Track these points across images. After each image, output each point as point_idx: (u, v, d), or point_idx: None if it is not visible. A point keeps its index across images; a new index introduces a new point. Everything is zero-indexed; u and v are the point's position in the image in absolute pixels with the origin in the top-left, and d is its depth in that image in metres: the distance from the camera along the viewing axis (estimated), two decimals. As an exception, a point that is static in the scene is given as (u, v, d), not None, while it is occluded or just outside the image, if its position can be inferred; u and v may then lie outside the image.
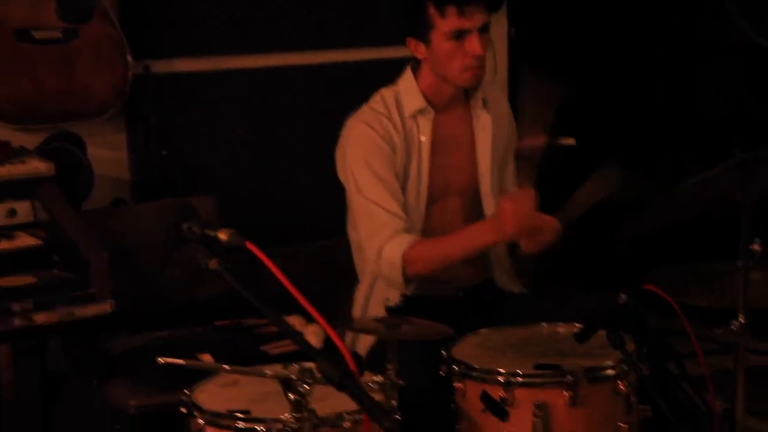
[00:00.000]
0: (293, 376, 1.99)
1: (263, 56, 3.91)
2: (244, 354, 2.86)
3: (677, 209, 2.25)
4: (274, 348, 2.91)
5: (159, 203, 3.35)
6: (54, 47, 3.32)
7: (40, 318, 2.61)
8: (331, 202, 3.01)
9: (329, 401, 2.11)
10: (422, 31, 2.79)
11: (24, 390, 3.30)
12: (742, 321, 2.21)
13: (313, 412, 2.04)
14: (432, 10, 2.76)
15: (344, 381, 1.55)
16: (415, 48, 2.84)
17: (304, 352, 1.63)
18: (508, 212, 2.61)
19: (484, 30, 2.78)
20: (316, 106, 3.94)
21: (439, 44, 2.77)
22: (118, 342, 2.93)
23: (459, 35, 2.75)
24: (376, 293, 2.93)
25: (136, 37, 3.59)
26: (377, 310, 2.86)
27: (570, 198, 2.65)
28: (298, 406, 2.02)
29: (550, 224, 2.68)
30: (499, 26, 4.51)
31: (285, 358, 2.85)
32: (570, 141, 5.37)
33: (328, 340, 2.96)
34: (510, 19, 4.53)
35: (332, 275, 3.52)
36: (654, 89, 4.87)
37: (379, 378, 2.20)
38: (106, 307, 2.68)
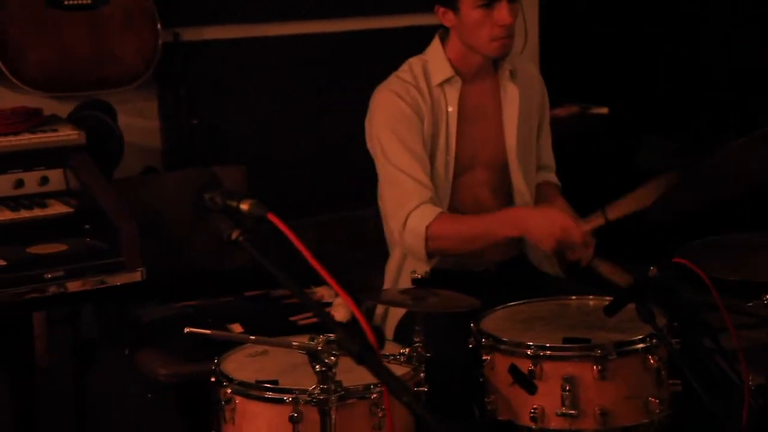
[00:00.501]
0: (319, 348, 1.98)
1: (293, 24, 3.90)
2: (273, 324, 2.86)
3: (705, 182, 2.21)
4: (303, 319, 2.91)
5: (185, 172, 3.36)
6: (83, 13, 3.32)
7: (72, 286, 2.62)
8: (361, 171, 3.00)
9: (355, 373, 2.10)
10: (449, 0, 2.76)
11: (58, 358, 3.33)
12: (775, 295, 2.17)
13: (339, 383, 2.04)
14: None
15: (363, 354, 1.54)
16: (443, 16, 2.81)
17: (325, 324, 1.62)
18: (555, 232, 2.60)
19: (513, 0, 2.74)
20: (346, 74, 3.92)
21: (468, 12, 2.74)
22: (148, 311, 2.94)
23: (488, 3, 2.71)
24: (407, 266, 2.91)
25: (165, 5, 3.59)
26: (408, 283, 2.85)
27: (617, 200, 2.60)
28: (324, 377, 2.02)
29: (586, 240, 2.65)
30: (529, -7, 4.47)
31: (313, 329, 2.88)
32: (603, 110, 5.32)
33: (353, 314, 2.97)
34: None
35: (362, 246, 3.52)
36: (692, 57, 4.80)
37: (405, 350, 2.19)
38: (136, 275, 2.68)
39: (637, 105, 5.19)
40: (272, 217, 1.62)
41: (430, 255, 2.75)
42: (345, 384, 2.08)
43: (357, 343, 1.55)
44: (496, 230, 2.72)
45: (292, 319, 2.93)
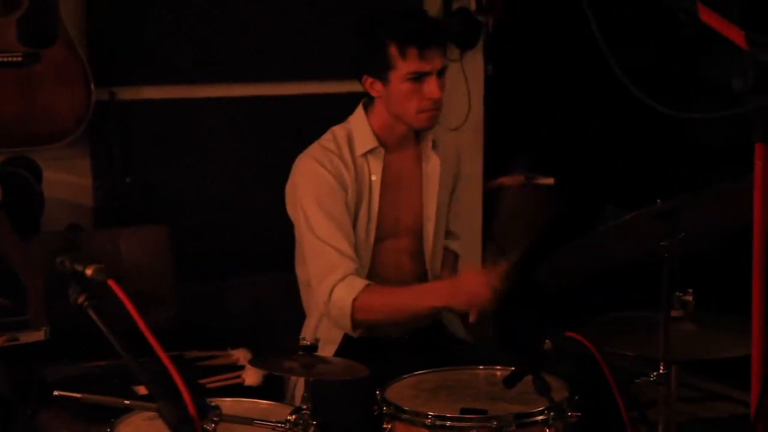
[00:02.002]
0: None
1: (229, 86, 3.92)
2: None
3: (596, 254, 2.22)
4: (213, 382, 2.88)
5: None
6: (14, 71, 3.32)
7: (-29, 344, 2.59)
8: (293, 234, 3.00)
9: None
10: (380, 70, 2.77)
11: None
12: (662, 371, 2.17)
13: (219, 450, 2.01)
14: (393, 51, 2.72)
15: (180, 426, 1.53)
16: (370, 86, 2.82)
17: (151, 393, 1.60)
18: (475, 290, 2.62)
19: (441, 73, 2.76)
20: (280, 137, 3.94)
21: (397, 85, 2.75)
22: (54, 370, 2.90)
23: (418, 77, 2.73)
24: (322, 330, 2.91)
25: (102, 64, 3.62)
26: (323, 347, 2.84)
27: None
28: (203, 444, 1.99)
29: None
30: (476, 63, 4.52)
31: (224, 392, 2.85)
32: (549, 180, 5.36)
33: (268, 377, 2.95)
34: (486, 56, 4.52)
35: (295, 307, 3.51)
36: (635, 128, 4.84)
37: (292, 417, 2.16)
38: (40, 334, 2.65)
39: (585, 175, 5.23)
40: (112, 284, 1.62)
41: (355, 326, 2.75)
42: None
43: (176, 414, 1.53)
44: (423, 302, 2.74)
45: (201, 381, 2.89)
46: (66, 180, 3.69)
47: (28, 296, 2.64)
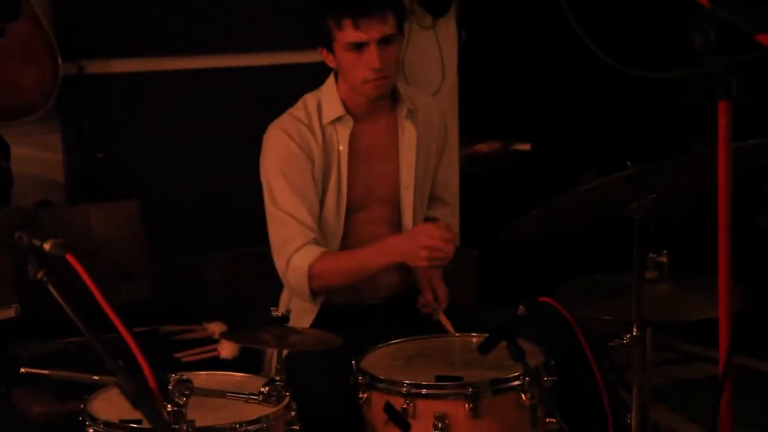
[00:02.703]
0: (169, 387, 1.94)
1: (198, 58, 3.87)
2: (156, 361, 2.79)
3: (569, 216, 2.21)
4: (188, 356, 2.86)
5: (81, 207, 3.30)
6: (-22, 46, 3.27)
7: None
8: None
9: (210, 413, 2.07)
10: (327, 42, 2.77)
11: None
12: (636, 333, 2.16)
13: (191, 423, 2.00)
14: (331, 22, 2.72)
15: (139, 399, 1.51)
16: (326, 57, 2.81)
17: (108, 367, 1.58)
18: (422, 242, 2.59)
19: (386, 41, 2.71)
20: (251, 108, 3.90)
21: (341, 54, 2.74)
22: (27, 348, 2.88)
23: (357, 47, 2.71)
24: (296, 300, 2.89)
25: (69, 37, 3.56)
26: (298, 319, 2.83)
27: None
28: (177, 417, 1.98)
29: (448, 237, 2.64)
30: (448, 30, 4.48)
31: (199, 366, 2.84)
32: (525, 146, 5.35)
33: (244, 350, 2.94)
34: (459, 23, 4.48)
35: (268, 280, 3.49)
36: (612, 91, 4.82)
37: (265, 388, 2.15)
38: (10, 311, 2.63)
39: (561, 141, 5.22)
40: (71, 258, 1.59)
41: (313, 293, 2.74)
42: (198, 424, 2.03)
43: (136, 387, 1.52)
44: (372, 261, 2.72)
45: (176, 355, 2.88)
46: (36, 156, 3.64)
47: (-3, 274, 2.61)
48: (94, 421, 2.26)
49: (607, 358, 3.01)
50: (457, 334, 2.71)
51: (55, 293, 1.59)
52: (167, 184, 3.82)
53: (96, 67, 3.69)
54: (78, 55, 3.62)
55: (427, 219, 3.01)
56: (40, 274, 1.59)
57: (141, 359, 1.56)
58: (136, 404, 1.52)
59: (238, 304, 3.45)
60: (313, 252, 2.71)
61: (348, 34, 2.69)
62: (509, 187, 5.33)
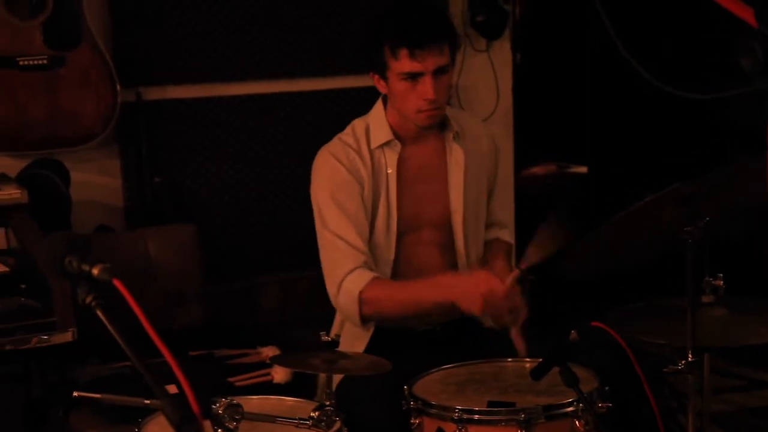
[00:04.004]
0: (220, 412, 1.95)
1: (253, 84, 3.91)
2: (211, 385, 2.83)
3: (617, 242, 2.18)
4: (242, 380, 2.88)
5: (140, 232, 3.35)
6: (39, 74, 3.34)
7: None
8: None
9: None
10: (380, 69, 2.77)
11: (10, 417, 3.30)
12: (691, 359, 2.12)
13: (241, 448, 2.00)
14: (386, 50, 2.71)
15: (183, 424, 1.52)
16: (377, 82, 2.82)
17: (155, 392, 1.59)
18: (480, 294, 2.57)
19: (440, 72, 2.71)
20: (304, 134, 3.93)
21: (394, 84, 2.74)
22: (86, 371, 2.92)
23: (412, 77, 2.70)
24: (348, 325, 2.89)
25: (128, 65, 3.62)
26: (350, 342, 2.83)
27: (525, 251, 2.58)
28: (226, 442, 1.98)
29: (517, 306, 2.63)
30: (503, 52, 4.47)
31: (252, 391, 2.85)
32: (582, 169, 5.30)
33: (297, 375, 2.94)
34: (514, 45, 4.47)
35: (321, 304, 3.51)
36: (666, 117, 4.77)
37: (315, 413, 2.15)
38: (67, 335, 2.67)
39: (619, 163, 5.16)
40: (117, 283, 1.61)
41: (364, 320, 2.73)
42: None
43: (180, 413, 1.53)
44: (426, 296, 2.70)
45: (230, 379, 2.89)
46: (96, 181, 3.71)
47: (54, 298, 2.65)
48: (148, 445, 2.28)
49: (666, 385, 2.96)
50: (527, 359, 2.64)
51: (103, 318, 1.61)
52: (222, 208, 3.87)
53: (154, 93, 3.75)
54: (136, 81, 3.68)
55: (486, 242, 2.99)
56: (89, 299, 1.61)
57: (184, 383, 1.57)
58: (179, 429, 1.52)
59: (291, 328, 3.47)
60: (364, 277, 2.71)
61: (403, 64, 2.69)
62: (565, 209, 5.27)
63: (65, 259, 1.63)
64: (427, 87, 2.69)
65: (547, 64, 4.75)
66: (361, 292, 2.69)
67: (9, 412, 3.27)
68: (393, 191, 2.82)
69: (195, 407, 1.53)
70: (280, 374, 2.94)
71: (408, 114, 2.77)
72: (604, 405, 2.38)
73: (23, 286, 2.78)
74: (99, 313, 1.58)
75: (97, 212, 3.68)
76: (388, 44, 2.70)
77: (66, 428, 2.83)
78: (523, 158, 4.73)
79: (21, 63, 3.31)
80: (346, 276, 2.71)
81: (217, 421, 1.97)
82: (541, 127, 4.88)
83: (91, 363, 2.96)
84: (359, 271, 2.71)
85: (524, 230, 4.50)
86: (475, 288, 2.59)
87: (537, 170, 5.24)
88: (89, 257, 1.62)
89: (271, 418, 2.16)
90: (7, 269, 2.82)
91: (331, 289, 2.76)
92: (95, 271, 1.61)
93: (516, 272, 2.59)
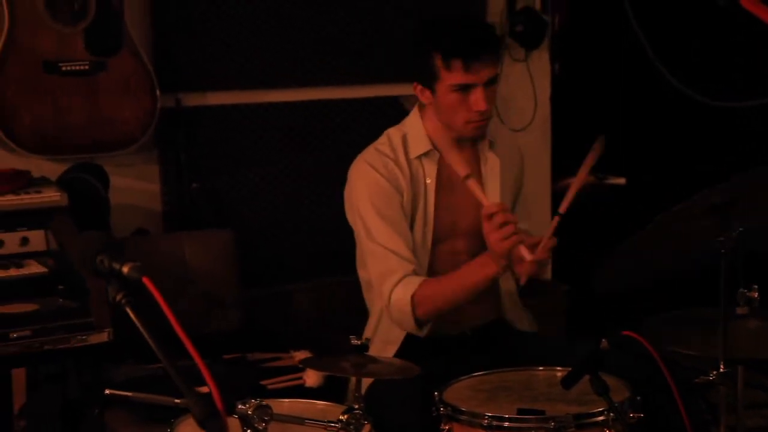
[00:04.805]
0: (249, 413, 1.97)
1: (293, 90, 3.94)
2: (243, 388, 2.85)
3: (652, 253, 2.17)
4: (274, 383, 2.90)
5: (177, 235, 3.38)
6: (80, 79, 3.39)
7: (37, 345, 2.65)
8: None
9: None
10: (428, 80, 2.77)
11: (48, 416, 3.35)
12: (723, 370, 2.11)
13: (270, 449, 2.02)
14: (438, 62, 2.71)
15: (207, 421, 1.54)
16: (421, 93, 2.82)
17: (181, 390, 1.62)
18: (487, 230, 2.58)
19: (490, 83, 2.74)
20: (341, 141, 3.95)
21: (444, 95, 2.74)
22: (120, 371, 2.95)
23: (464, 88, 2.71)
24: (381, 330, 2.91)
25: (168, 71, 3.67)
26: (381, 347, 2.84)
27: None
28: (255, 443, 2.00)
29: (538, 242, 2.61)
30: (542, 62, 4.47)
31: (284, 394, 2.87)
32: (620, 180, 5.26)
33: (329, 379, 2.96)
34: (552, 55, 4.47)
35: (356, 309, 3.53)
36: (701, 125, 4.73)
37: (344, 416, 2.16)
38: (103, 336, 2.71)
39: (657, 175, 5.12)
40: (146, 281, 1.63)
41: (419, 323, 2.74)
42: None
43: (204, 410, 1.55)
44: (472, 276, 2.70)
45: (263, 382, 2.91)
46: (135, 186, 3.75)
47: (91, 298, 2.69)
48: (180, 445, 2.30)
49: (701, 397, 2.93)
50: (558, 368, 2.62)
51: (132, 316, 1.64)
52: (259, 214, 3.90)
53: (193, 99, 3.79)
54: (176, 87, 3.72)
55: None
56: (119, 297, 1.64)
57: (210, 382, 1.59)
58: (202, 425, 1.55)
59: (325, 333, 3.48)
60: (413, 282, 2.72)
61: (456, 75, 2.70)
62: (603, 221, 5.25)
63: (97, 258, 1.66)
64: (479, 98, 2.70)
65: (585, 74, 4.73)
66: (413, 296, 2.69)
67: (47, 412, 3.33)
68: (431, 201, 2.84)
69: (219, 405, 1.55)
70: (312, 378, 2.96)
71: (455, 125, 2.77)
72: (636, 415, 2.37)
73: (61, 287, 2.82)
74: (129, 311, 1.61)
75: (136, 216, 3.73)
76: (440, 56, 2.70)
77: (101, 427, 2.87)
78: (560, 169, 4.72)
79: (63, 68, 3.36)
80: (396, 285, 2.72)
81: (246, 421, 1.99)
82: (578, 138, 4.86)
83: (127, 364, 2.99)
84: (408, 279, 2.73)
85: (560, 241, 4.49)
86: (487, 234, 2.58)
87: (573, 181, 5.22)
88: (120, 256, 1.65)
89: (299, 420, 2.18)
90: (45, 270, 2.86)
91: (382, 299, 2.77)
92: (125, 270, 1.64)
93: (556, 218, 2.58)
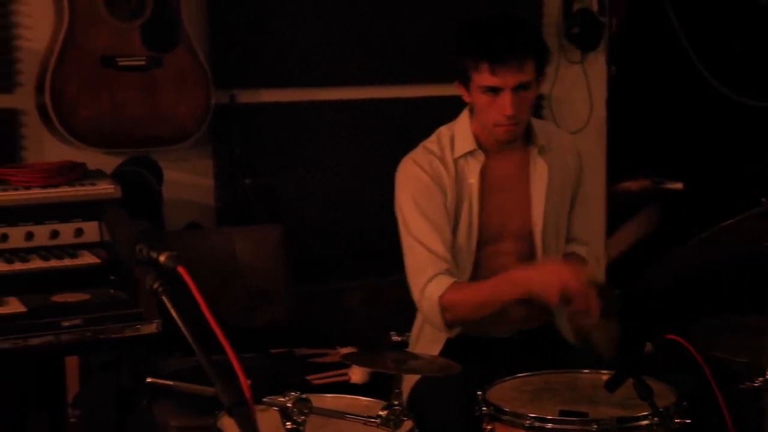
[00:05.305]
0: (289, 405, 1.98)
1: (347, 89, 3.97)
2: (288, 382, 2.87)
3: (701, 258, 2.14)
4: (319, 378, 2.92)
5: (227, 231, 3.42)
6: (137, 74, 3.44)
7: (87, 334, 2.70)
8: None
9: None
10: (463, 79, 2.78)
11: (103, 405, 3.41)
12: (768, 377, 2.08)
13: (310, 442, 2.04)
14: (468, 63, 2.73)
15: (234, 408, 1.56)
16: (462, 92, 2.83)
17: (211, 377, 1.64)
18: (556, 282, 2.56)
19: (521, 88, 2.70)
20: (394, 139, 3.95)
21: (476, 96, 2.76)
22: (169, 363, 2.99)
23: (493, 90, 2.71)
24: (426, 329, 2.91)
25: (223, 67, 3.71)
26: (427, 346, 2.84)
27: (611, 238, 2.56)
28: (294, 435, 2.02)
29: (593, 306, 2.59)
30: (598, 64, 4.44)
31: (330, 389, 2.88)
32: (677, 185, 5.20)
33: (373, 376, 2.97)
34: (609, 58, 4.44)
35: (405, 308, 3.53)
36: (748, 127, 4.66)
37: (384, 412, 2.17)
38: (152, 327, 2.75)
39: (716, 179, 5.05)
40: (182, 270, 1.66)
41: (448, 325, 2.74)
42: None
43: (232, 397, 1.57)
44: (502, 292, 2.69)
45: (309, 377, 2.93)
46: (188, 180, 3.79)
47: (140, 290, 2.73)
48: (223, 436, 2.32)
49: (748, 403, 2.88)
50: (603, 372, 2.59)
51: (168, 304, 1.66)
52: (311, 211, 3.92)
53: (247, 96, 3.83)
54: (230, 84, 3.76)
55: (564, 256, 2.97)
56: (156, 285, 1.67)
57: (238, 369, 1.61)
58: (229, 411, 1.57)
59: (373, 330, 3.49)
60: (444, 283, 2.71)
61: (484, 78, 2.70)
62: (659, 226, 5.19)
63: (136, 247, 1.69)
64: (505, 103, 2.69)
65: (642, 77, 4.69)
66: (440, 298, 2.70)
67: (101, 401, 3.38)
68: (475, 201, 2.83)
69: (247, 394, 1.57)
70: (357, 374, 2.97)
71: (487, 126, 2.78)
72: (681, 421, 2.34)
73: (113, 278, 2.87)
74: (165, 299, 1.64)
75: (189, 210, 3.77)
76: (470, 57, 2.71)
77: (149, 418, 2.91)
78: (615, 172, 4.68)
79: (120, 63, 3.42)
80: (428, 282, 2.73)
81: (285, 414, 2.01)
82: (635, 141, 4.81)
83: (176, 356, 3.03)
84: (440, 278, 2.72)
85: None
86: (552, 277, 2.58)
87: (630, 185, 5.17)
88: (158, 245, 1.68)
89: (340, 415, 2.19)
90: (98, 261, 2.91)
91: (414, 294, 2.78)
92: (162, 258, 1.67)
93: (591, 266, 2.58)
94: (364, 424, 2.20)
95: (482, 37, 2.72)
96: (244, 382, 1.61)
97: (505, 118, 2.72)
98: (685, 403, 2.38)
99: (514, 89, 2.69)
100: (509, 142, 2.81)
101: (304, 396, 2.00)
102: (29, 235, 2.92)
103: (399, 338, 2.26)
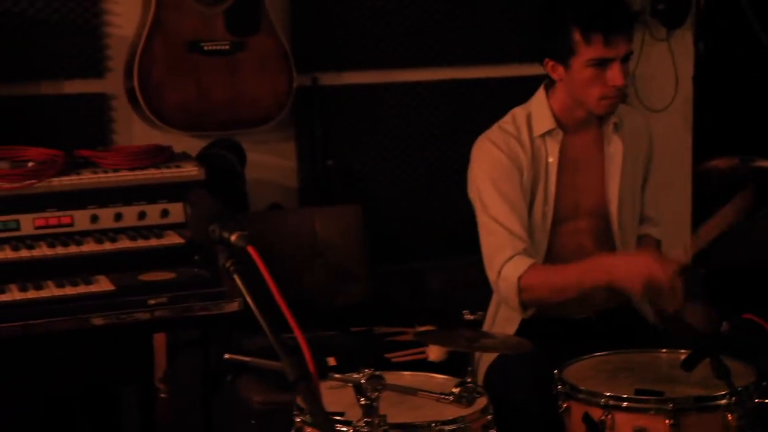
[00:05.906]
0: (362, 381, 2.03)
1: (424, 70, 3.99)
2: (367, 360, 2.91)
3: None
4: (398, 356, 2.96)
5: (307, 210, 3.46)
6: (221, 58, 3.52)
7: (172, 312, 2.78)
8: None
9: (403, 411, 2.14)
10: (563, 55, 2.75)
11: (191, 381, 3.50)
12: None
13: (383, 417, 2.07)
14: (577, 36, 2.69)
15: (298, 382, 1.60)
16: (552, 69, 2.80)
17: (277, 352, 1.68)
18: (641, 274, 2.54)
19: (626, 59, 2.71)
20: (473, 120, 3.94)
21: (579, 70, 2.72)
22: (252, 341, 3.06)
23: (601, 63, 2.69)
24: (502, 308, 2.92)
25: (305, 51, 3.77)
26: (503, 326, 2.85)
27: (703, 225, 2.53)
28: (368, 410, 2.06)
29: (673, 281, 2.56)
30: (684, 41, 4.37)
31: (408, 367, 2.92)
32: (767, 163, 5.08)
33: (451, 354, 3.00)
34: (696, 34, 4.36)
35: (484, 288, 3.55)
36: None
37: (456, 389, 2.19)
38: (234, 305, 2.82)
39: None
40: (251, 250, 1.70)
41: (523, 306, 2.75)
42: (389, 419, 2.10)
43: (296, 371, 1.61)
44: (584, 279, 2.68)
45: (387, 355, 2.97)
46: (271, 162, 3.87)
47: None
48: (301, 411, 2.38)
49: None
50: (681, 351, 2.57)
51: (239, 282, 1.71)
52: (391, 191, 3.96)
53: (329, 78, 3.88)
54: (312, 67, 3.82)
55: (637, 238, 2.95)
56: (228, 264, 1.72)
57: (303, 344, 1.66)
58: (294, 386, 1.61)
59: (452, 309, 3.51)
60: (522, 263, 2.71)
61: (596, 49, 2.68)
62: (756, 208, 5.08)
63: (209, 227, 1.74)
64: (616, 74, 2.68)
65: (730, 54, 4.59)
66: (519, 279, 2.70)
67: (188, 378, 3.48)
68: (552, 180, 2.82)
69: (311, 367, 1.61)
70: (434, 353, 3.00)
71: (588, 101, 2.76)
72: (761, 400, 2.32)
73: (197, 257, 2.94)
74: (236, 278, 1.68)
75: (272, 191, 3.84)
76: (580, 29, 2.68)
77: (234, 394, 2.99)
78: (702, 151, 4.60)
79: (205, 48, 3.50)
80: (506, 263, 2.72)
81: (360, 390, 2.05)
82: (722, 119, 4.72)
83: (261, 334, 3.09)
84: (518, 258, 2.72)
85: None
86: (637, 268, 2.55)
87: (718, 163, 5.06)
88: (230, 225, 1.73)
89: (413, 391, 2.22)
90: (183, 241, 2.99)
91: (491, 274, 2.78)
92: (233, 238, 1.72)
93: (685, 254, 2.55)
94: (437, 400, 2.22)
95: (595, 9, 2.69)
96: (309, 357, 1.65)
97: (614, 90, 2.71)
98: (765, 383, 2.35)
99: (622, 60, 2.69)
100: (609, 115, 2.80)
101: (377, 373, 2.04)
102: (118, 216, 3.02)
103: (472, 317, 2.27)
